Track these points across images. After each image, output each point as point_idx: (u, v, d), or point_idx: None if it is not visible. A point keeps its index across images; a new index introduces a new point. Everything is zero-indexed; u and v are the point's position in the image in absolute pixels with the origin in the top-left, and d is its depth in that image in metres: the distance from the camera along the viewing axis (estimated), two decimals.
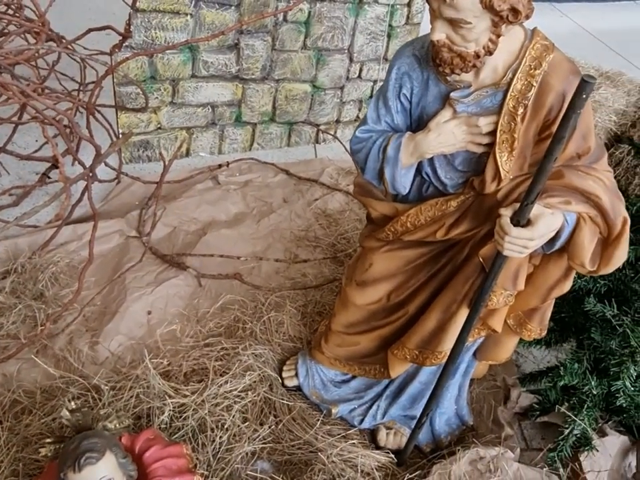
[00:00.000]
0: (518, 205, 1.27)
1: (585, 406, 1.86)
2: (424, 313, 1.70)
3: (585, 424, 1.83)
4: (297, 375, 2.13)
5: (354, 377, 2.09)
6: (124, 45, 2.63)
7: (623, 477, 2.10)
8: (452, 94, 1.33)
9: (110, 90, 2.86)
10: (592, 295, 1.83)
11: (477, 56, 1.23)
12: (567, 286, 1.56)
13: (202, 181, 3.03)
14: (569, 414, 1.81)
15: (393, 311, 1.81)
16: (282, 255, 2.72)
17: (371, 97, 3.44)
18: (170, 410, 1.88)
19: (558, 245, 1.35)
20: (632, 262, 1.93)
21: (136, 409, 1.90)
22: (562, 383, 1.82)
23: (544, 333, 1.72)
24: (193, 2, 2.69)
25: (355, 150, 1.52)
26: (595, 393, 1.86)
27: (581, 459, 1.94)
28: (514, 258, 1.43)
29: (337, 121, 3.47)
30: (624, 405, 1.79)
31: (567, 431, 1.88)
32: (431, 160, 1.48)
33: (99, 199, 2.83)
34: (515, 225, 1.27)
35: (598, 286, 1.88)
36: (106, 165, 2.76)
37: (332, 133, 3.45)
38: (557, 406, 1.99)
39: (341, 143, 3.40)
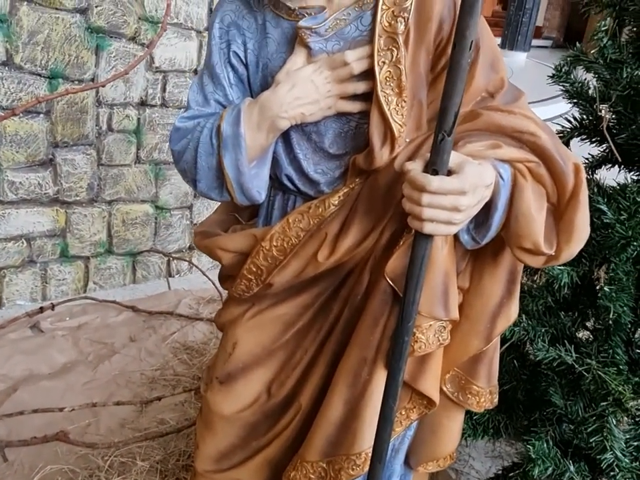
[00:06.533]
0: (428, 155, 0.83)
1: None
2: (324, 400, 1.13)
3: None
4: None
5: None
6: None
7: None
8: (301, 22, 0.92)
9: None
10: (537, 341, 1.36)
11: None
12: (513, 309, 1.09)
13: (16, 330, 2.33)
14: None
15: (279, 414, 1.21)
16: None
17: None
18: None
19: (496, 221, 0.90)
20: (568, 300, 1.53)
21: None
22: (535, 472, 1.26)
23: (496, 398, 1.20)
24: None
25: (179, 151, 1.03)
26: None
27: None
28: (436, 264, 0.95)
29: (191, 248, 2.99)
30: None
31: None
32: (292, 151, 1.03)
33: None
34: None
35: (539, 333, 1.42)
36: None
37: (187, 259, 2.94)
38: None
39: (200, 270, 2.89)
